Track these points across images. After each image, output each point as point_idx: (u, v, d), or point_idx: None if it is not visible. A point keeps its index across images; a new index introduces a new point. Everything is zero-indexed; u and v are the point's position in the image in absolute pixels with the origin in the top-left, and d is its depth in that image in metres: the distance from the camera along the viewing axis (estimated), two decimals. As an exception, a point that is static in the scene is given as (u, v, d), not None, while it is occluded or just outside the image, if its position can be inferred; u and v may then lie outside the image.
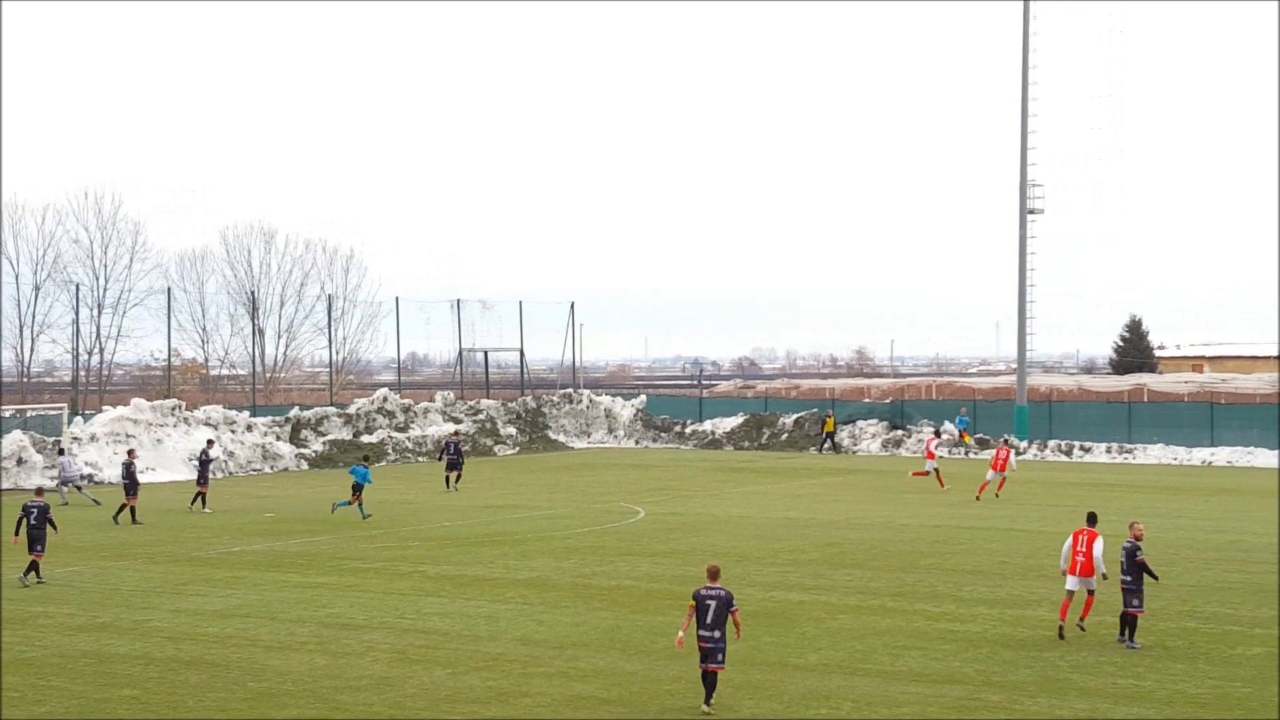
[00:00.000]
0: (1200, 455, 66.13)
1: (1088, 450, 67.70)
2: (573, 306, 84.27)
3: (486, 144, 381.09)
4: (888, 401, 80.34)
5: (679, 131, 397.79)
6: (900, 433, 73.02)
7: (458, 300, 79.69)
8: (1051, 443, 69.06)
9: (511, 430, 73.69)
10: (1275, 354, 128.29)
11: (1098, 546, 23.95)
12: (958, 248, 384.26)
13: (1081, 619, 24.48)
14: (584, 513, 43.66)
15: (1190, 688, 20.50)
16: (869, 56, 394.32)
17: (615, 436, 78.89)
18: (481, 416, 73.19)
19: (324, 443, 64.77)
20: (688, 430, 77.91)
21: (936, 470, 51.26)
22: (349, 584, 29.89)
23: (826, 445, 72.00)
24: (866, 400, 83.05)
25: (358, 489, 42.26)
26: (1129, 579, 23.48)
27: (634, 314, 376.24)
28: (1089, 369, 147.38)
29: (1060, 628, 24.21)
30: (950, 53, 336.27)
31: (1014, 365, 77.43)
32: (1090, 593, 24.53)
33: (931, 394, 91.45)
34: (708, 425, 77.99)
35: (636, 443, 77.72)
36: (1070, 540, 24.69)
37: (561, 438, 76.43)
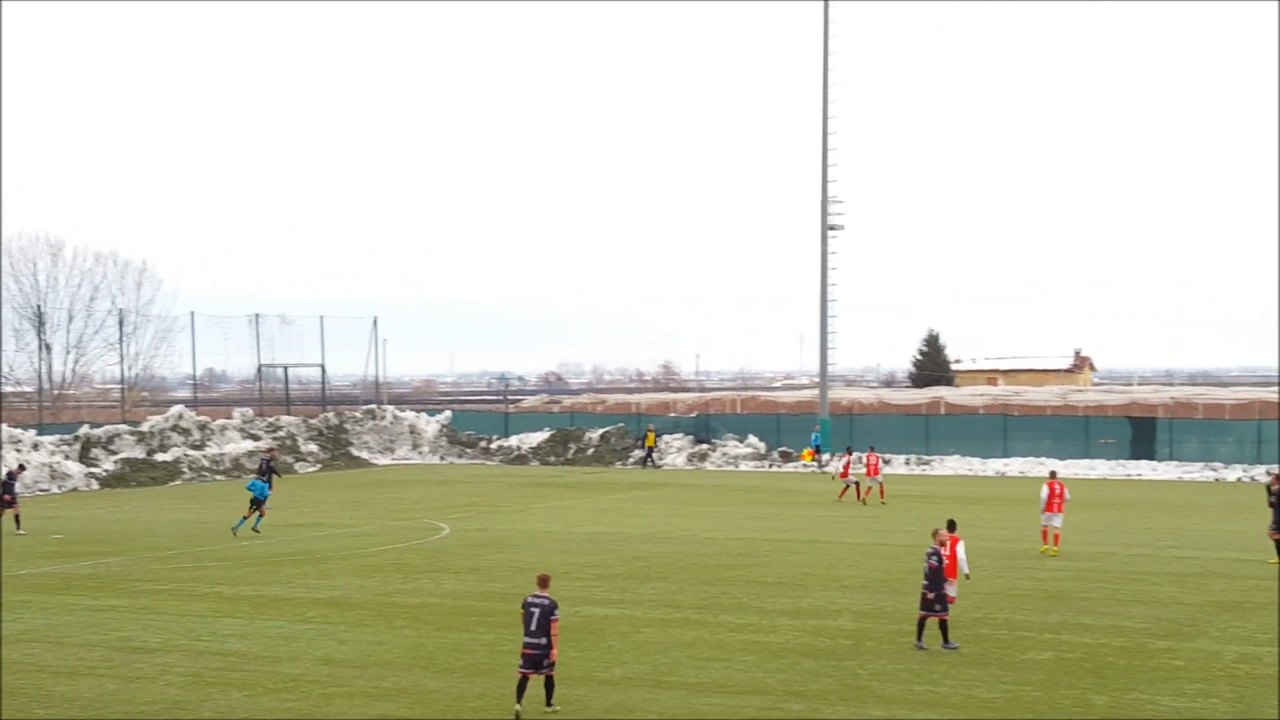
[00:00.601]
0: (994, 466, 67.96)
1: (887, 462, 68.95)
2: (375, 321, 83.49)
3: (284, 154, 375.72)
4: (693, 415, 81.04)
5: (484, 143, 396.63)
6: (705, 446, 73.64)
7: (256, 315, 78.30)
8: (853, 455, 70.19)
9: (313, 447, 72.60)
10: (1066, 367, 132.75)
11: (960, 549, 25.03)
12: (763, 262, 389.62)
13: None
14: (387, 530, 43.13)
15: (983, 692, 20.94)
16: (678, 69, 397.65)
17: (420, 452, 78.19)
18: (281, 433, 71.97)
19: (116, 461, 63.06)
20: (493, 446, 77.60)
21: (856, 484, 52.64)
22: (142, 606, 29.05)
23: (645, 458, 72.02)
24: (672, 414, 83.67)
25: (256, 503, 42.19)
26: (929, 584, 24.02)
27: (439, 329, 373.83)
28: (889, 382, 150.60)
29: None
30: (757, 69, 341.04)
31: (817, 379, 78.63)
32: (950, 596, 25.33)
33: (736, 408, 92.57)
34: (514, 440, 77.77)
35: (441, 459, 77.15)
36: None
37: (364, 454, 75.48)
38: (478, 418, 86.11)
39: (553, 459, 74.89)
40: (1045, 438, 70.45)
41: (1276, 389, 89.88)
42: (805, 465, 68.92)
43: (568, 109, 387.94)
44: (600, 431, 76.39)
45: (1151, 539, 40.10)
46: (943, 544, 24.58)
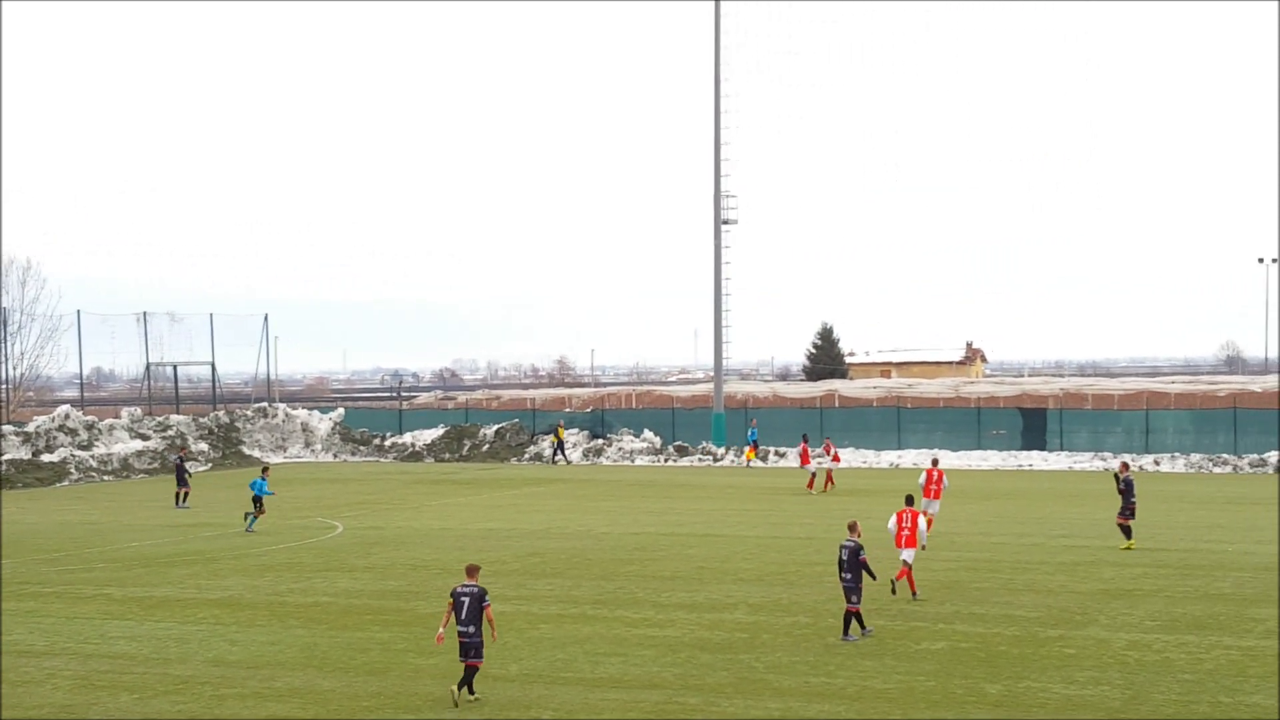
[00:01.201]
0: (888, 458, 68.50)
1: (782, 455, 69.37)
2: (266, 319, 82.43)
3: (171, 150, 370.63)
4: (589, 410, 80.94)
5: (375, 140, 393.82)
6: (601, 441, 73.57)
7: (144, 313, 76.92)
8: (747, 449, 70.49)
9: (203, 446, 71.56)
10: (958, 359, 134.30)
11: (922, 522, 28.22)
12: (658, 257, 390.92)
13: (908, 588, 28.31)
14: (279, 529, 42.59)
15: (879, 683, 21.08)
16: (574, 67, 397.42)
17: (312, 450, 77.36)
18: (171, 432, 70.88)
19: (0, 463, 61.72)
20: (387, 443, 76.98)
21: (814, 474, 53.31)
22: (28, 609, 28.45)
23: (555, 452, 71.52)
24: (568, 410, 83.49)
25: (258, 501, 42.56)
26: (849, 577, 24.27)
27: (332, 326, 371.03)
28: (784, 376, 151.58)
29: (893, 584, 28.11)
30: (653, 66, 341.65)
31: (712, 373, 78.82)
32: (906, 564, 28.19)
33: (632, 403, 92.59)
34: (408, 437, 77.21)
35: (335, 456, 76.41)
36: (895, 519, 28.46)
37: (256, 453, 74.53)
38: (371, 415, 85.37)
39: (447, 456, 74.46)
40: (938, 429, 71.22)
41: (1277, 379, 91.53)
42: (750, 463, 68.39)
43: (462, 107, 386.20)
44: (495, 428, 76.06)
45: (1042, 528, 40.60)
46: (859, 535, 24.85)
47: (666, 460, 70.99)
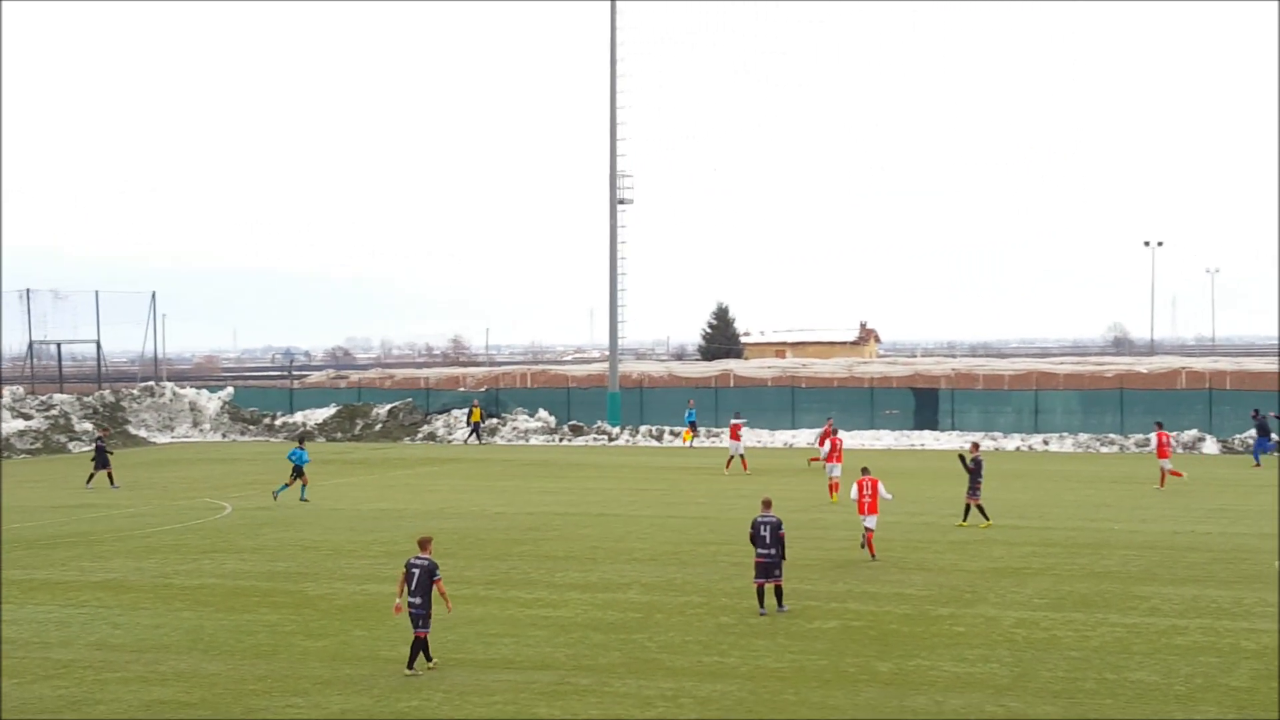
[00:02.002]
0: (783, 437, 68.79)
1: (677, 435, 69.43)
2: (154, 296, 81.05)
3: (60, 124, 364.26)
4: (483, 390, 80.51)
5: (273, 114, 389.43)
6: (495, 420, 73.23)
7: (27, 290, 75.40)
8: (643, 428, 70.53)
9: (87, 426, 70.26)
10: (852, 339, 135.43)
11: (881, 487, 30.75)
12: (553, 236, 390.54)
13: (871, 555, 30.42)
14: (166, 510, 41.92)
15: (771, 662, 21.11)
16: (471, 44, 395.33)
17: (201, 430, 76.22)
18: (54, 412, 69.51)
19: (-121, 442, 60.25)
20: (278, 422, 76.06)
21: (736, 456, 52.36)
22: (-98, 593, 27.73)
23: (472, 432, 70.77)
24: (462, 389, 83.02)
25: (298, 471, 43.02)
26: (773, 552, 24.48)
27: (222, 303, 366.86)
28: (679, 355, 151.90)
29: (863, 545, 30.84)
30: (548, 43, 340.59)
31: (608, 352, 78.67)
32: (869, 530, 30.55)
33: (526, 382, 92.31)
34: (299, 417, 76.34)
35: (224, 436, 75.36)
36: (855, 487, 31.01)
37: (143, 432, 73.29)
38: (261, 394, 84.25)
39: (339, 435, 73.72)
40: (832, 409, 71.38)
41: (1277, 359, 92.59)
42: (688, 444, 67.38)
43: (362, 85, 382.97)
44: (388, 407, 75.41)
45: (934, 507, 40.91)
46: (772, 511, 24.99)
47: (561, 440, 70.82)
